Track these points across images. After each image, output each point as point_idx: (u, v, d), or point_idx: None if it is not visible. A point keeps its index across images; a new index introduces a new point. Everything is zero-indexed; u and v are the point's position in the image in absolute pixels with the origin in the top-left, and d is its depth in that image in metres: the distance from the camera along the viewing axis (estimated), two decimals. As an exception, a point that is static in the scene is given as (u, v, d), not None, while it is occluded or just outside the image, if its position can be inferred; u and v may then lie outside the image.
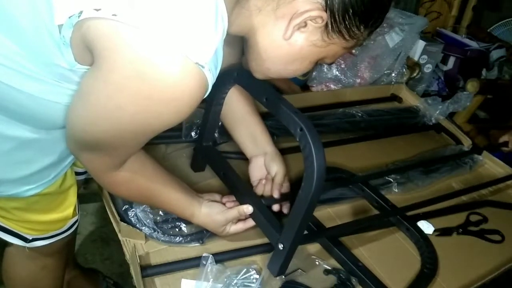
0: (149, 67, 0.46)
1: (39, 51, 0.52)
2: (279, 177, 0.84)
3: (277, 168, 0.84)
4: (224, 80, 0.76)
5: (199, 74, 0.48)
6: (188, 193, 0.75)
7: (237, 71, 0.74)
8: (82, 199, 1.46)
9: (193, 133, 0.99)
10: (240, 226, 0.79)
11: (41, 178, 0.72)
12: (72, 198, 0.83)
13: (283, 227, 0.69)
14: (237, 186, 0.82)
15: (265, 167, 0.86)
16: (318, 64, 0.63)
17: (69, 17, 0.46)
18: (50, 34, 0.49)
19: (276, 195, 0.83)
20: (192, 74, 0.47)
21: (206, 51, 0.48)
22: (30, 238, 0.82)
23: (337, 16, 0.55)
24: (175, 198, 0.73)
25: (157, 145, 0.99)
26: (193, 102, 0.50)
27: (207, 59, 0.48)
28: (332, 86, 1.64)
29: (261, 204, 0.77)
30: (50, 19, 0.48)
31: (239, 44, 0.76)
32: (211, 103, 0.81)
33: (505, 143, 1.31)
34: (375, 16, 0.58)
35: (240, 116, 0.87)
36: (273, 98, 0.65)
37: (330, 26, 0.56)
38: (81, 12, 0.45)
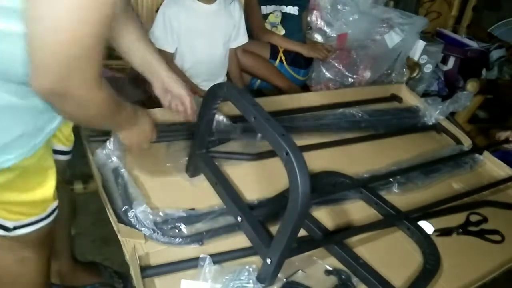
0: None
1: None
2: (186, 100, 0.96)
3: (178, 89, 0.95)
4: (215, 94, 0.79)
5: None
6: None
7: (227, 87, 0.77)
8: (82, 199, 1.47)
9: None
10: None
11: (20, 146, 0.71)
12: (51, 181, 0.82)
13: (271, 242, 0.70)
14: (230, 196, 0.83)
15: (168, 88, 0.96)
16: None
17: None
18: None
19: (194, 118, 0.94)
20: None
21: None
22: (12, 227, 0.81)
23: None
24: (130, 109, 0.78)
25: (158, 143, 0.99)
26: None
27: None
28: (331, 85, 1.64)
29: (252, 217, 0.79)
30: None
31: None
32: (203, 114, 0.84)
33: (506, 141, 1.31)
34: None
35: (133, 42, 0.93)
36: (261, 118, 0.66)
37: None
38: None
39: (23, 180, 0.77)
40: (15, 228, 0.81)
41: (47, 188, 0.82)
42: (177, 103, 0.96)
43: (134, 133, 0.84)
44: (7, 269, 0.91)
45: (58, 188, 0.85)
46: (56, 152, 0.89)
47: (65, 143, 0.92)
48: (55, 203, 0.86)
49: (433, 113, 1.38)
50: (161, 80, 0.95)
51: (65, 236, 1.18)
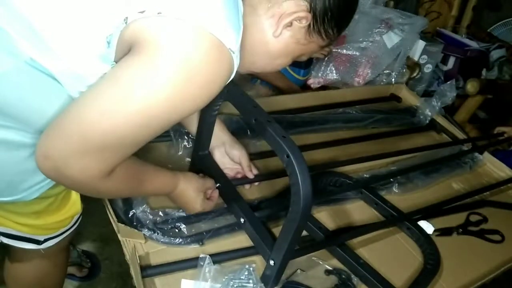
0: (194, 52, 0.51)
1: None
2: (245, 162, 0.91)
3: (239, 154, 0.90)
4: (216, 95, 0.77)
5: (231, 60, 0.55)
6: (168, 170, 0.76)
7: (228, 88, 0.75)
8: (82, 199, 1.46)
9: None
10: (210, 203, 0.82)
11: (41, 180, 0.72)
12: (76, 194, 0.86)
13: (274, 244, 0.70)
14: (232, 198, 0.83)
15: (227, 155, 0.92)
16: (295, 60, 0.69)
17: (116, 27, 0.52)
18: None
19: (251, 176, 0.91)
20: (226, 59, 0.54)
21: (235, 39, 0.54)
22: (42, 240, 0.84)
23: (318, 18, 0.62)
24: (159, 177, 0.74)
25: (160, 142, 0.99)
26: (222, 84, 0.57)
27: (237, 47, 0.55)
28: (332, 78, 1.63)
29: (255, 219, 0.79)
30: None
31: None
32: (204, 115, 0.82)
33: (505, 138, 1.31)
34: (347, 20, 0.67)
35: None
36: (262, 120, 0.65)
37: (312, 26, 0.63)
38: (126, 18, 0.51)
39: (58, 202, 0.81)
40: (45, 240, 0.85)
41: (74, 201, 0.86)
42: (235, 167, 0.92)
43: (176, 198, 0.78)
44: (41, 273, 0.97)
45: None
46: None
47: None
48: (80, 212, 0.90)
49: (433, 113, 1.38)
50: (222, 146, 0.90)
51: None
